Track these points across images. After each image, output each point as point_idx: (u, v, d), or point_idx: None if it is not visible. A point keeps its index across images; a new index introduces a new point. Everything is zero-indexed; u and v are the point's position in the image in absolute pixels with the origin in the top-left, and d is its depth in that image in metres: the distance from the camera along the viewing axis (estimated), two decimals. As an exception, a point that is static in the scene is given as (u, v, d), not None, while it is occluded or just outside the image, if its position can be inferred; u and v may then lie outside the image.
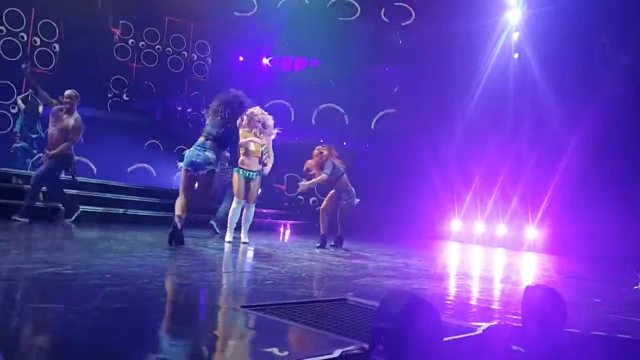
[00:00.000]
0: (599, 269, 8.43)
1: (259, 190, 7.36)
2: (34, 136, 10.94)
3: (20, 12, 12.34)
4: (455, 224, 12.88)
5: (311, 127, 13.98)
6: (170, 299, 3.35)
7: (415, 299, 2.13)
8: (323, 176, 7.55)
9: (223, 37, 15.03)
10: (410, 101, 13.34)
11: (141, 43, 14.21)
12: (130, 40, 14.05)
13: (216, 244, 6.77)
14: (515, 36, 12.24)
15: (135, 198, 9.23)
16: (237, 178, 7.00)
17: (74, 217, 7.53)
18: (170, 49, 14.71)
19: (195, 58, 15.16)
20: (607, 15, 10.50)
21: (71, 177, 7.52)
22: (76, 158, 7.79)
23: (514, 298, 4.50)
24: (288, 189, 13.52)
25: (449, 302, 4.17)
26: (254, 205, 7.19)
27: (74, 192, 8.08)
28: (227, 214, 7.19)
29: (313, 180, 7.70)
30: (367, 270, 5.62)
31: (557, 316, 2.82)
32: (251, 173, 7.02)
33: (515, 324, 3.23)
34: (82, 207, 7.72)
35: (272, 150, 7.24)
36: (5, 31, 12.13)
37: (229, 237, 6.97)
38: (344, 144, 13.18)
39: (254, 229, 7.62)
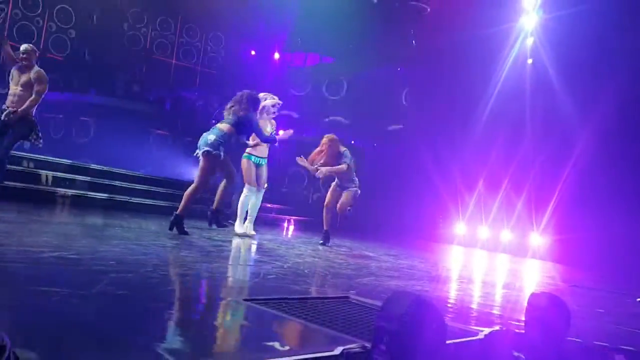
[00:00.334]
0: (604, 278, 8.39)
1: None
2: None
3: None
4: (459, 228, 12.85)
5: (321, 124, 13.98)
6: (174, 288, 3.36)
7: (419, 300, 2.13)
8: (344, 166, 7.47)
9: (236, 30, 15.02)
10: (419, 103, 13.31)
11: (154, 32, 14.22)
12: (143, 29, 14.05)
13: (221, 235, 6.77)
14: (530, 41, 12.17)
15: (141, 186, 9.26)
16: (248, 164, 7.05)
17: None
18: (183, 40, 14.72)
19: (209, 50, 15.16)
20: (623, 18, 10.38)
21: (38, 143, 7.03)
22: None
23: (516, 304, 4.49)
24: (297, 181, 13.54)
25: (451, 306, 4.16)
26: (262, 191, 7.25)
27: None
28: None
29: (333, 167, 7.55)
30: (369, 270, 5.61)
31: (560, 325, 2.81)
32: (261, 159, 7.12)
33: (517, 330, 3.22)
34: (88, 193, 7.73)
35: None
36: (20, 15, 12.12)
37: (241, 228, 6.99)
38: (352, 142, 13.17)
39: (257, 223, 7.63)
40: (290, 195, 13.38)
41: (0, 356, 1.42)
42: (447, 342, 2.48)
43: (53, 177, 7.98)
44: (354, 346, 2.27)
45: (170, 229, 6.05)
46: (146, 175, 10.01)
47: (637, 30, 10.07)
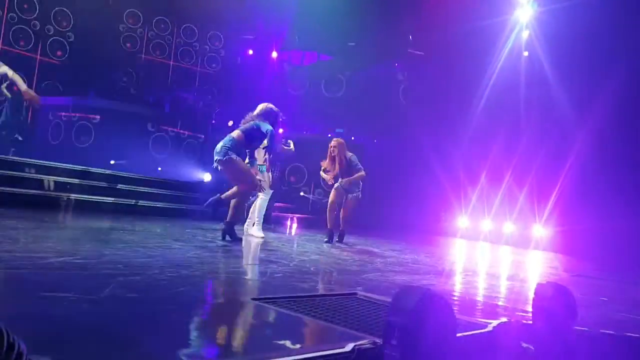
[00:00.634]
0: (607, 267, 8.41)
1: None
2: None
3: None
4: (462, 221, 12.87)
5: (320, 121, 13.99)
6: (182, 290, 3.37)
7: (429, 294, 2.14)
8: (362, 173, 7.73)
9: (234, 30, 15.00)
10: (418, 97, 13.31)
11: (150, 33, 14.18)
12: (139, 30, 14.02)
13: (222, 240, 6.78)
14: (525, 34, 12.17)
15: (144, 189, 9.27)
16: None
17: None
18: (181, 40, 14.69)
19: (208, 50, 15.13)
20: (618, 12, 10.40)
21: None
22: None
23: (522, 295, 4.51)
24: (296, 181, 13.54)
25: (457, 299, 4.18)
26: (269, 194, 7.51)
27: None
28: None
29: (354, 176, 7.72)
30: (375, 266, 5.63)
31: (567, 314, 2.83)
32: (261, 166, 7.27)
33: (525, 322, 3.24)
34: (92, 197, 7.75)
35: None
36: (16, 18, 12.07)
37: (260, 231, 7.10)
38: (352, 138, 13.19)
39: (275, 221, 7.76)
40: (291, 193, 13.41)
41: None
42: (457, 335, 2.50)
43: (55, 182, 7.97)
44: (364, 342, 2.29)
45: (223, 238, 6.16)
46: (148, 177, 10.02)
47: (630, 23, 10.11)
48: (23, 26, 12.18)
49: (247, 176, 6.26)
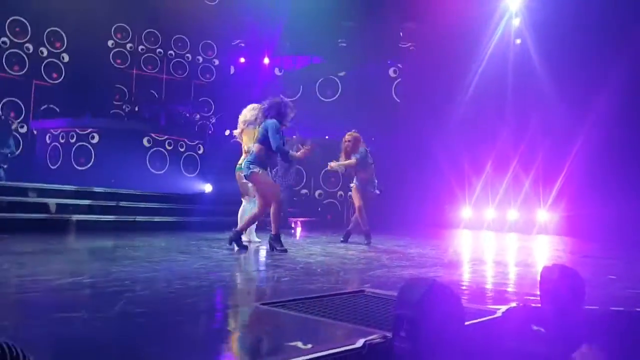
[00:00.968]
0: (613, 248, 8.42)
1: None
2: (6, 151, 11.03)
3: (25, 21, 12.20)
4: (465, 212, 12.88)
5: (316, 123, 13.99)
6: (191, 300, 3.39)
7: (435, 285, 2.16)
8: (352, 160, 7.52)
9: (226, 38, 15.01)
10: (414, 91, 13.33)
11: (140, 47, 14.17)
12: (129, 45, 13.98)
13: (229, 245, 6.80)
14: (517, 21, 12.17)
15: (146, 204, 9.29)
16: (238, 176, 6.98)
17: None
18: (172, 52, 14.67)
19: (201, 60, 15.12)
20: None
21: None
22: None
23: (530, 280, 4.52)
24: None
25: (465, 288, 4.19)
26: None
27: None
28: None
29: (343, 162, 7.63)
30: (381, 262, 5.64)
31: (575, 295, 2.84)
32: (238, 166, 7.05)
33: (534, 305, 3.25)
34: (94, 217, 7.78)
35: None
36: (9, 43, 12.06)
37: (245, 236, 6.99)
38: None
39: (263, 227, 7.68)
40: (295, 197, 13.41)
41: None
42: (466, 323, 2.51)
43: (57, 204, 8.00)
44: (375, 337, 2.30)
45: (272, 249, 6.19)
46: (150, 193, 10.04)
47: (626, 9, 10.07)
48: (16, 50, 12.17)
49: (266, 189, 6.20)
